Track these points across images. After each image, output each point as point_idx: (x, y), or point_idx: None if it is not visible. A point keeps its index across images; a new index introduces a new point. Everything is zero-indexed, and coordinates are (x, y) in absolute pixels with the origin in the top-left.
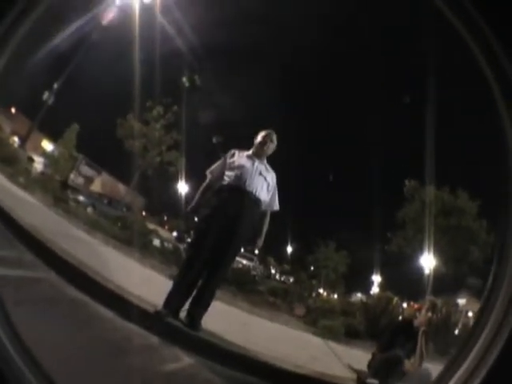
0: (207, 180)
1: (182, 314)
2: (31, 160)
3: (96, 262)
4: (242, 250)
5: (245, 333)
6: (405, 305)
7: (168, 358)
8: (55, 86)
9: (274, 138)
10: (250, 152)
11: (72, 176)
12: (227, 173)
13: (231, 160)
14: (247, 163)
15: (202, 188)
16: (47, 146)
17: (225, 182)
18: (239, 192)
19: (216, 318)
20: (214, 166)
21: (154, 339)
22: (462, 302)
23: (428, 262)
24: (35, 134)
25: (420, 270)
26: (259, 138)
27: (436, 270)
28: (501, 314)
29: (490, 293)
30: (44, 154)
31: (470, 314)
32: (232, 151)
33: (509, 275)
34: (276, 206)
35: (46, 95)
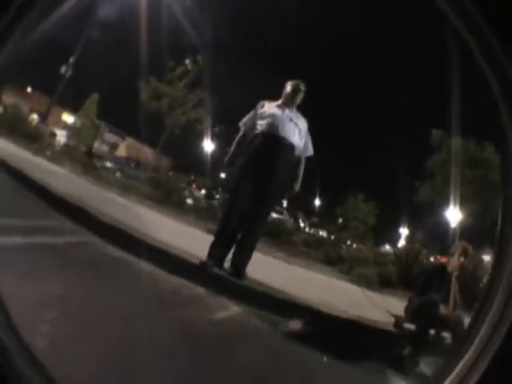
0: (241, 131)
1: (227, 264)
2: (53, 134)
3: (134, 221)
4: (280, 197)
5: (287, 280)
6: (431, 258)
7: (216, 308)
8: (72, 58)
9: (303, 87)
10: (280, 102)
11: (96, 144)
12: (259, 122)
13: (262, 110)
14: (277, 111)
15: (236, 139)
16: (68, 118)
17: (257, 131)
18: (272, 138)
19: (257, 268)
20: (245, 118)
21: (201, 290)
22: (487, 258)
23: (455, 213)
24: (55, 109)
25: (447, 223)
26: (288, 87)
27: (463, 223)
28: (499, 309)
29: (489, 288)
30: (66, 126)
31: None
32: (262, 102)
33: (508, 270)
34: (310, 152)
35: (63, 69)
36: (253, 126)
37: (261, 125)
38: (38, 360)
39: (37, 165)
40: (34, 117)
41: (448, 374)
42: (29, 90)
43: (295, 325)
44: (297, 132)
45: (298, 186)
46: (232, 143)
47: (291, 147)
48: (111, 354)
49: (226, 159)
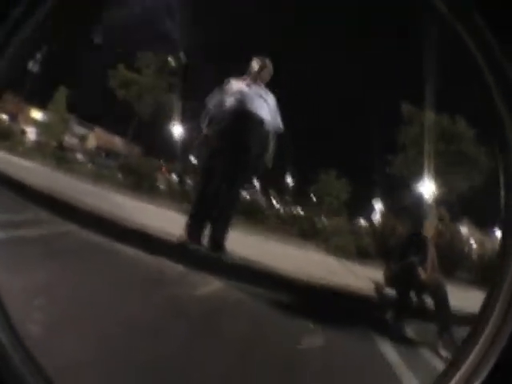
0: (208, 108)
1: (205, 241)
2: (24, 132)
3: (110, 208)
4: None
5: (264, 255)
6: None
7: (198, 284)
8: (38, 54)
9: (269, 63)
10: (247, 78)
11: (66, 138)
12: (227, 98)
13: (228, 87)
14: (245, 88)
15: (204, 117)
16: (37, 114)
17: (226, 108)
18: (241, 113)
19: (235, 244)
20: (211, 95)
21: (182, 268)
22: (464, 229)
23: (429, 186)
24: (24, 107)
25: (421, 195)
26: (254, 64)
27: (437, 195)
28: (504, 309)
29: (492, 289)
30: (35, 123)
31: (473, 242)
32: (228, 79)
33: (509, 279)
34: (280, 127)
35: (30, 65)
36: (220, 102)
37: (229, 101)
38: (36, 361)
39: (10, 162)
40: (4, 116)
41: (456, 371)
42: None
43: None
44: (265, 107)
45: (270, 161)
46: (200, 122)
47: (260, 122)
48: (101, 337)
49: (197, 138)
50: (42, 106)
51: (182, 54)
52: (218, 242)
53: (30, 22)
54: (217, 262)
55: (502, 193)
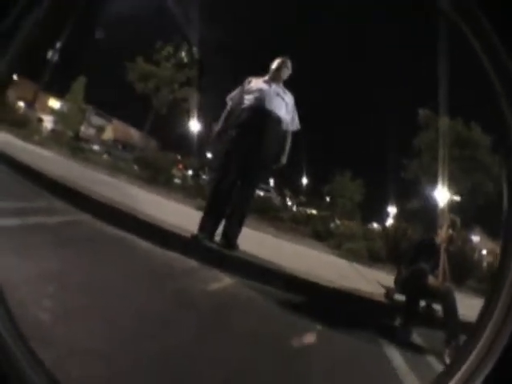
0: (228, 106)
1: (218, 237)
2: (41, 120)
3: (124, 199)
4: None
5: (276, 254)
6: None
7: (209, 279)
8: (58, 43)
9: (289, 63)
10: (267, 77)
11: (83, 128)
12: (246, 97)
13: (249, 86)
14: (264, 86)
15: (224, 114)
16: (55, 103)
17: (245, 106)
18: (260, 111)
19: (247, 242)
20: (233, 93)
21: (194, 263)
22: (475, 238)
23: (442, 191)
24: (42, 95)
25: (435, 200)
26: (275, 63)
27: (450, 201)
28: (504, 310)
29: (492, 292)
30: (52, 111)
31: (484, 252)
32: (249, 78)
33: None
34: (297, 126)
35: (49, 54)
36: (240, 100)
37: (248, 99)
38: (40, 360)
39: (26, 150)
40: (21, 104)
41: (456, 371)
42: (14, 77)
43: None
44: (284, 106)
45: (285, 159)
46: (219, 119)
47: (278, 120)
48: (110, 327)
49: (213, 134)
50: (59, 95)
51: (195, 49)
52: (230, 239)
53: (40, 7)
54: (229, 259)
55: (505, 198)
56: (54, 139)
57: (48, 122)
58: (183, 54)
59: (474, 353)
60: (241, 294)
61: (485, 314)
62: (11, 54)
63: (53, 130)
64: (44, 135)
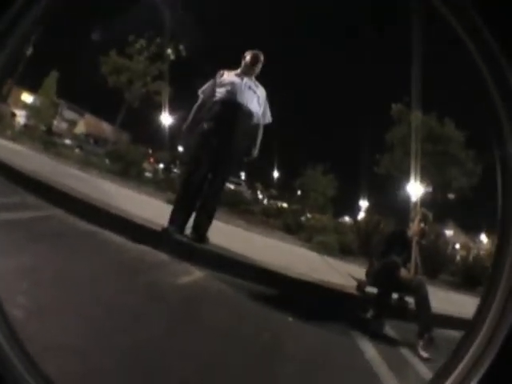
0: (199, 99)
1: (188, 231)
2: (14, 115)
3: (95, 193)
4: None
5: (247, 247)
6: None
7: (180, 272)
8: (32, 36)
9: (261, 57)
10: (239, 71)
11: (55, 122)
12: (218, 90)
13: (221, 79)
14: (236, 79)
15: (195, 107)
16: (27, 98)
17: (216, 98)
18: (231, 104)
19: (218, 235)
20: (204, 86)
21: (164, 256)
22: (449, 232)
23: (415, 186)
24: (15, 89)
25: (407, 195)
26: (247, 57)
27: (423, 195)
28: (500, 308)
29: (489, 287)
30: (25, 106)
31: (457, 246)
32: (221, 71)
33: (508, 268)
34: (268, 119)
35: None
36: (212, 93)
37: (220, 92)
38: (35, 361)
39: None
40: None
41: (449, 374)
42: None
43: None
44: (255, 99)
45: (256, 152)
46: (190, 112)
47: (249, 114)
48: (83, 321)
49: (185, 126)
50: (32, 89)
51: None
52: (200, 233)
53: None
54: (199, 252)
55: (499, 193)
56: (26, 134)
57: (21, 117)
58: (155, 47)
59: (471, 351)
60: (211, 287)
61: (481, 311)
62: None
63: (25, 125)
64: (17, 130)
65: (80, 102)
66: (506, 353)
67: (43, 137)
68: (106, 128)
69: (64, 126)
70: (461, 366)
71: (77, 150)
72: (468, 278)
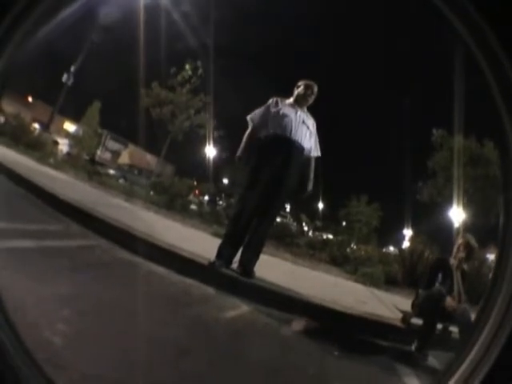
0: (250, 127)
1: (235, 264)
2: (56, 143)
3: (140, 225)
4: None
5: (293, 280)
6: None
7: (226, 307)
8: (73, 67)
9: (316, 88)
10: (292, 101)
11: (99, 152)
12: (271, 121)
13: (274, 108)
14: (291, 112)
15: (246, 135)
16: (70, 127)
17: (270, 131)
18: (285, 141)
19: (264, 268)
20: (256, 113)
21: (211, 290)
22: (491, 257)
23: (458, 212)
24: (57, 118)
25: (451, 221)
26: (302, 87)
27: (466, 221)
28: (502, 311)
29: (490, 290)
30: (68, 135)
31: None
32: (274, 99)
33: (509, 272)
34: (318, 152)
35: (64, 77)
36: (264, 122)
37: (273, 124)
38: (36, 361)
39: (41, 173)
40: (36, 126)
41: (456, 370)
42: (30, 99)
43: (298, 325)
44: (308, 134)
45: (310, 186)
46: (243, 138)
47: (302, 150)
48: (124, 353)
49: (237, 155)
50: (74, 118)
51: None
52: (247, 267)
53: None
54: (245, 286)
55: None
56: (69, 162)
57: (63, 145)
58: (197, 79)
59: (473, 352)
60: (257, 321)
61: (483, 312)
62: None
63: (68, 154)
64: (59, 158)
65: (124, 133)
66: (508, 354)
67: (87, 166)
68: (150, 159)
69: (108, 156)
70: (463, 367)
71: (121, 181)
72: None
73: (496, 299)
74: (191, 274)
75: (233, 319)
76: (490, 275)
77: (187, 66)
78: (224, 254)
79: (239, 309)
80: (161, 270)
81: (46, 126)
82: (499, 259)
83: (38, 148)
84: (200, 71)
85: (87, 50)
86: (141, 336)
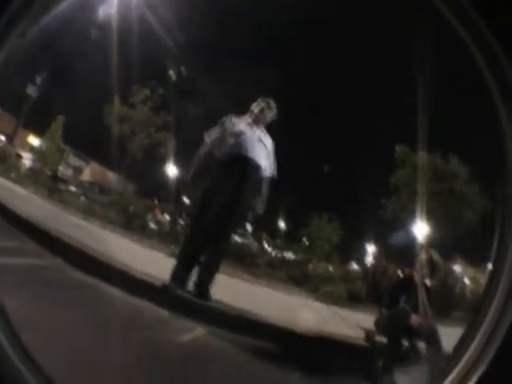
0: (206, 147)
1: (190, 285)
2: (19, 156)
3: (97, 245)
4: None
5: (251, 301)
6: (399, 272)
7: (180, 329)
8: (38, 79)
9: (273, 105)
10: (249, 119)
11: (61, 168)
12: (227, 139)
13: (230, 126)
14: (247, 130)
15: (201, 154)
16: (34, 141)
17: (225, 150)
18: (241, 159)
19: (222, 289)
20: (212, 131)
21: (165, 312)
22: (457, 268)
23: (422, 227)
24: (21, 131)
25: (415, 236)
26: (258, 105)
27: (430, 235)
28: (500, 306)
29: (489, 285)
30: (31, 149)
31: (467, 281)
32: (230, 116)
33: (508, 267)
34: (273, 172)
35: (29, 89)
36: (220, 141)
37: (229, 143)
38: (35, 360)
39: (2, 186)
40: (2, 138)
41: (450, 372)
42: None
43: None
44: (264, 153)
45: (262, 207)
46: (195, 158)
47: (258, 168)
48: (77, 376)
49: (190, 176)
50: (39, 132)
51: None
52: (203, 289)
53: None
54: (200, 309)
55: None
56: (31, 178)
57: (27, 160)
58: (158, 97)
59: (470, 350)
60: (213, 345)
61: (480, 310)
62: None
63: (31, 168)
64: (22, 172)
65: (85, 150)
66: (505, 352)
67: (48, 182)
68: (111, 177)
69: (70, 172)
70: (460, 365)
71: (82, 198)
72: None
73: (491, 301)
74: (145, 296)
75: (187, 342)
76: (488, 274)
77: (170, 71)
78: (178, 275)
79: (194, 331)
80: (114, 291)
81: (10, 139)
82: (496, 258)
83: (1, 161)
84: (160, 90)
85: (52, 62)
86: (95, 358)
